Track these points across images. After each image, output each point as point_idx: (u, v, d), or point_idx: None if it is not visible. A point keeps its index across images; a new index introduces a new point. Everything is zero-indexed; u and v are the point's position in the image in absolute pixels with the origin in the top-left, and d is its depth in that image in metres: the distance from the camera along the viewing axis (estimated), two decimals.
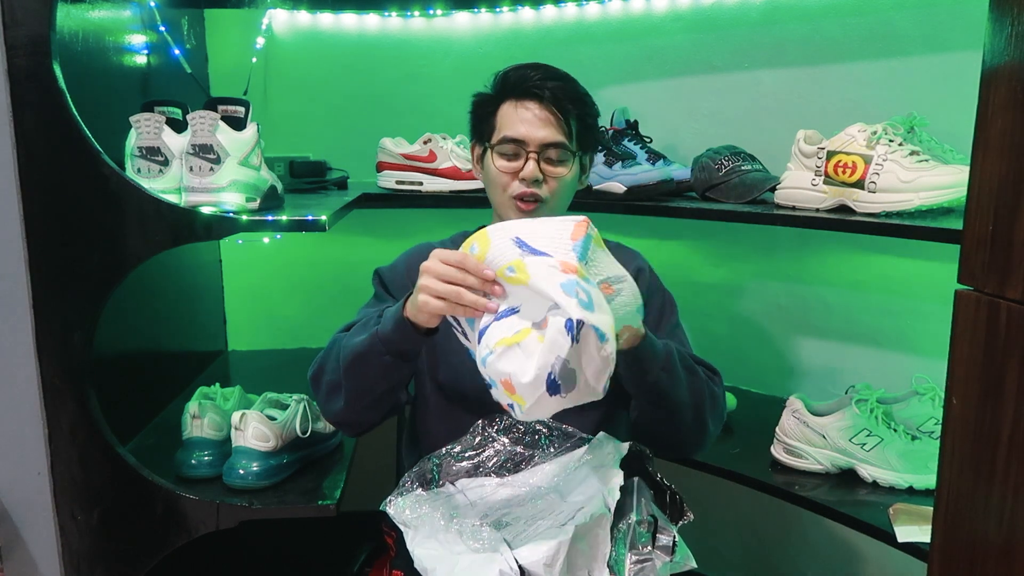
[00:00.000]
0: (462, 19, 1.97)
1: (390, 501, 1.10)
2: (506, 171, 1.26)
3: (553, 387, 0.88)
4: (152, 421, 1.58)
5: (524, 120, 1.25)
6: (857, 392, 1.42)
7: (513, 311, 0.94)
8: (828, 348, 1.76)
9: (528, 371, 0.88)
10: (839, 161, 1.32)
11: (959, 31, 1.46)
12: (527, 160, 1.24)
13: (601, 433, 1.13)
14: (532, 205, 1.25)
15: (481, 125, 1.31)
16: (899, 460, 1.36)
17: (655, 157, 1.62)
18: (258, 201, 1.26)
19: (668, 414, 1.15)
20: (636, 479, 1.07)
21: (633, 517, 1.02)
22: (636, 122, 1.67)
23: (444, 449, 1.14)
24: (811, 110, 1.66)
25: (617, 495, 1.02)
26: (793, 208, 1.40)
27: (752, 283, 1.86)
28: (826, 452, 1.42)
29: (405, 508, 1.08)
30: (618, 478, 1.03)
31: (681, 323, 1.33)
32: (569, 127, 1.26)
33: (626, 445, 1.08)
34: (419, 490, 1.11)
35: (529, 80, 1.25)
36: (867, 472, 1.39)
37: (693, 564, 1.02)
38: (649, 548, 1.02)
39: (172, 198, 1.22)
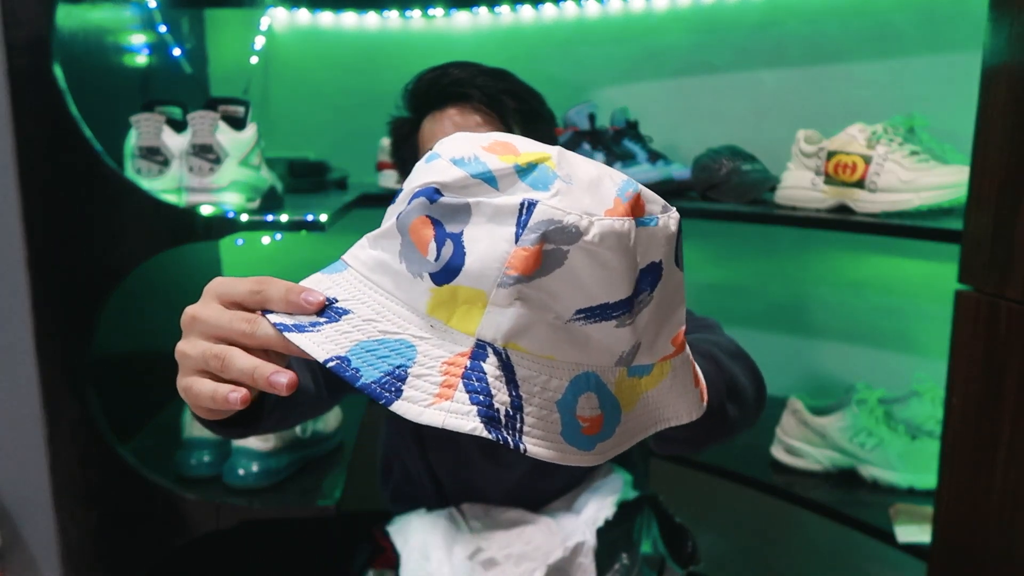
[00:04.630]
0: (462, 19, 1.97)
1: (394, 521, 1.10)
2: None
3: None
4: (152, 421, 1.58)
5: (450, 129, 0.98)
6: (857, 392, 1.42)
7: None
8: (828, 348, 1.76)
9: None
10: (839, 161, 1.32)
11: (959, 31, 1.46)
12: None
13: (612, 468, 1.10)
14: None
15: (401, 151, 1.08)
16: (899, 460, 1.36)
17: (655, 157, 1.62)
18: (258, 201, 1.26)
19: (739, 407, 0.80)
20: (647, 509, 1.06)
21: (640, 551, 1.01)
22: (636, 122, 1.67)
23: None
24: (811, 110, 1.66)
25: (600, 523, 1.00)
26: (793, 208, 1.40)
27: (752, 283, 1.86)
28: (826, 452, 1.42)
29: (410, 535, 1.08)
30: (606, 510, 1.02)
31: None
32: (508, 125, 1.01)
33: (633, 493, 1.06)
34: (422, 511, 1.11)
35: (444, 81, 1.01)
36: (867, 472, 1.39)
37: None
38: None
39: (172, 198, 1.22)
